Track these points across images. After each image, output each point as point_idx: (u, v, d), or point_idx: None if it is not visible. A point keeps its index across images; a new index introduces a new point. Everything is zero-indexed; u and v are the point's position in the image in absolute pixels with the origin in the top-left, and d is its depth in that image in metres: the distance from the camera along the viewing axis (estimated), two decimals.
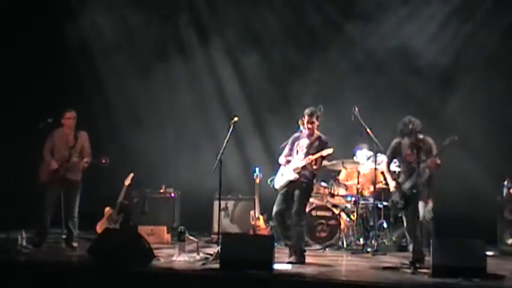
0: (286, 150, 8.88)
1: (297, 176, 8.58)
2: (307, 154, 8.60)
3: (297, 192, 8.59)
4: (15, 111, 11.47)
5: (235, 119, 9.01)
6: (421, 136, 8.62)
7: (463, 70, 11.08)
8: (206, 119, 12.21)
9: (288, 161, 8.77)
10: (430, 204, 8.53)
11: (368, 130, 9.71)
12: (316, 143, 8.64)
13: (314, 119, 8.64)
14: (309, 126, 8.67)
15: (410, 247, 8.65)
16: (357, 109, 10.02)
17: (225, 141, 8.78)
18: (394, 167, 9.16)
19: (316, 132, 8.74)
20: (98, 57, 12.27)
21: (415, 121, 8.66)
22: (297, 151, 8.75)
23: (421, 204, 8.50)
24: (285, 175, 8.73)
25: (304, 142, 8.74)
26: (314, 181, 8.97)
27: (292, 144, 8.85)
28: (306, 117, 8.67)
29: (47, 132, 9.53)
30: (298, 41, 11.87)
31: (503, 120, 10.84)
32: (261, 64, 12.00)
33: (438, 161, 8.43)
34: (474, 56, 10.99)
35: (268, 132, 11.66)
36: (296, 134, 8.91)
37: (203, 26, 12.30)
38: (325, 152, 8.53)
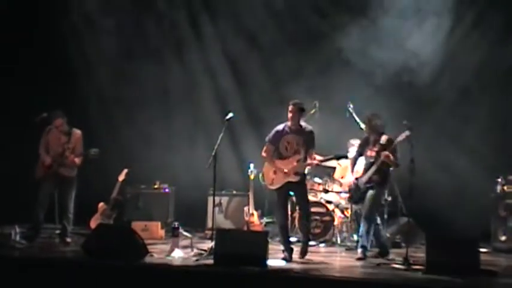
0: (268, 145, 8.61)
1: (298, 177, 8.43)
2: (306, 152, 8.37)
3: (301, 191, 8.60)
4: (9, 105, 11.43)
5: (230, 114, 8.99)
6: (385, 136, 8.79)
7: (456, 69, 11.11)
8: (201, 114, 12.20)
9: (281, 158, 8.52)
10: (374, 206, 8.77)
11: (362, 126, 9.75)
12: (309, 137, 8.46)
13: (296, 109, 8.42)
14: (292, 115, 8.40)
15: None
16: (351, 105, 10.06)
17: (220, 137, 8.77)
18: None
19: (304, 126, 8.54)
20: (91, 53, 12.26)
21: (379, 118, 8.91)
22: (286, 148, 8.48)
23: (366, 201, 8.77)
24: (281, 175, 8.48)
25: (293, 138, 8.46)
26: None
27: (277, 138, 8.55)
28: (290, 107, 8.43)
29: (42, 127, 9.51)
30: (294, 37, 11.85)
31: (496, 118, 10.87)
32: (257, 60, 11.98)
33: (387, 154, 8.58)
34: (468, 55, 11.02)
35: (263, 128, 11.59)
36: (278, 128, 8.59)
37: (198, 23, 12.27)
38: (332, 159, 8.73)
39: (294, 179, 8.43)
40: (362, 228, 8.80)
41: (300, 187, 8.56)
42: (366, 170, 8.91)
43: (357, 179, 9.01)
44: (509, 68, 10.82)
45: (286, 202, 8.70)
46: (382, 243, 8.89)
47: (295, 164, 8.41)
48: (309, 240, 8.78)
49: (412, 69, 11.10)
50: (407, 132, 8.39)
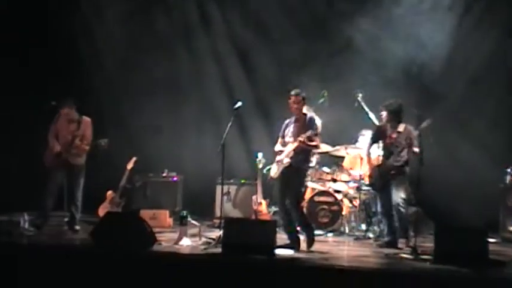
0: (279, 139, 8.67)
1: (288, 160, 8.35)
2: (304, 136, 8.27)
3: (291, 177, 8.37)
4: (18, 93, 11.44)
5: (239, 103, 8.98)
6: (403, 124, 8.76)
7: (465, 60, 11.08)
8: (210, 103, 12.20)
9: (282, 151, 8.53)
10: (402, 192, 8.65)
11: (371, 116, 9.73)
12: (306, 122, 8.36)
13: (300, 99, 8.39)
14: (295, 106, 8.38)
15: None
16: (360, 95, 10.02)
17: (228, 125, 8.76)
18: (377, 149, 9.26)
19: (306, 113, 8.50)
20: (100, 43, 12.27)
21: (401, 104, 8.85)
22: (291, 138, 8.45)
23: (394, 190, 8.67)
24: (279, 162, 8.51)
25: (294, 127, 8.46)
26: (310, 165, 8.80)
27: (284, 131, 8.63)
28: (292, 98, 8.40)
29: (51, 115, 9.52)
30: (304, 26, 11.81)
31: (505, 109, 10.85)
32: (266, 49, 11.96)
33: (416, 149, 8.49)
34: (476, 47, 10.99)
35: (272, 118, 11.61)
36: (286, 121, 8.66)
37: (207, 11, 12.26)
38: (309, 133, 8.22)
39: (285, 164, 8.37)
40: (395, 218, 8.67)
41: (289, 171, 8.37)
42: (385, 158, 8.86)
43: (378, 166, 8.94)
44: None
45: (285, 191, 8.53)
46: (394, 233, 8.81)
47: (290, 150, 8.37)
48: (307, 228, 8.51)
49: (421, 60, 11.08)
50: (428, 121, 8.34)
